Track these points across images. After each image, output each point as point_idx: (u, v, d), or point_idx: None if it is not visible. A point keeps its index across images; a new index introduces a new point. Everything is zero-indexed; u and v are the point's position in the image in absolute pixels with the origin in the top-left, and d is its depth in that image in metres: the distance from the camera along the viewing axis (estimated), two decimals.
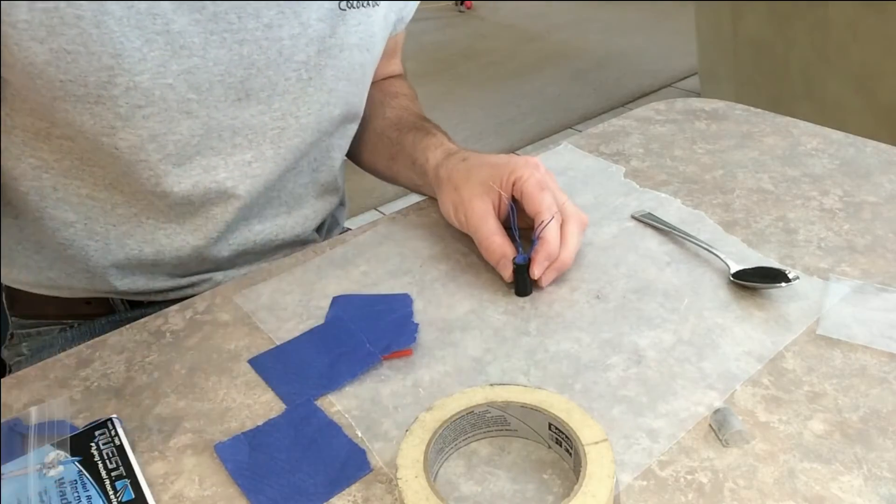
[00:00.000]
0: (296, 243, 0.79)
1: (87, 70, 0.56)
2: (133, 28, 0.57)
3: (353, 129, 0.78)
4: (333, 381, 0.54)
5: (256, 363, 0.57)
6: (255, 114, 0.66)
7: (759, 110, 0.91)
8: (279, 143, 0.68)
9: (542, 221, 0.61)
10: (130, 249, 0.70)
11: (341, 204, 0.90)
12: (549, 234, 0.61)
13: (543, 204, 0.61)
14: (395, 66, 0.89)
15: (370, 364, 0.55)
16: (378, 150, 0.81)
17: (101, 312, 0.76)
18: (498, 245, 0.62)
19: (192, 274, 0.75)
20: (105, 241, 0.69)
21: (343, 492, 0.46)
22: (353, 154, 0.87)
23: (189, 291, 0.74)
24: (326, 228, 0.86)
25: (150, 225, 0.69)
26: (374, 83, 0.85)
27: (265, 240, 0.75)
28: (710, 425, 0.49)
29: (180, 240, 0.70)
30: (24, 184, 0.65)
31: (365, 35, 0.70)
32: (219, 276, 0.75)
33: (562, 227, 0.62)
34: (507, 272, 0.62)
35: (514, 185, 0.63)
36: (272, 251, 0.77)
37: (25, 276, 0.73)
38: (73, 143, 0.62)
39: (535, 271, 0.61)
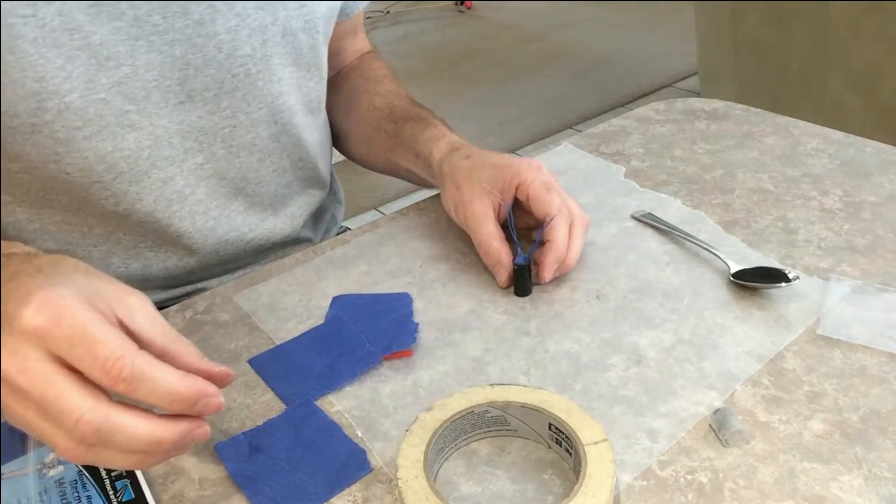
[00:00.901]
0: (287, 243, 0.77)
1: (13, 100, 0.54)
2: (50, 48, 0.54)
3: (322, 118, 0.76)
4: (333, 381, 0.54)
5: (256, 363, 0.57)
6: (202, 115, 0.63)
7: (759, 110, 0.91)
8: (231, 141, 0.66)
9: (550, 219, 0.60)
10: (116, 267, 0.68)
11: (337, 202, 0.89)
12: (559, 237, 0.61)
13: (553, 205, 0.61)
14: (363, 43, 0.87)
15: (370, 364, 0.55)
16: (374, 143, 0.79)
17: None
18: (495, 250, 0.62)
19: (185, 284, 0.73)
20: (90, 262, 0.67)
21: (343, 492, 0.46)
22: (345, 148, 0.86)
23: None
24: (325, 228, 0.85)
25: (128, 241, 0.67)
26: (351, 68, 0.84)
27: (255, 244, 0.73)
28: (710, 425, 0.49)
29: (163, 252, 0.69)
30: (1, 219, 0.64)
31: (310, 17, 0.67)
32: (213, 283, 0.74)
33: (569, 228, 0.62)
34: (503, 278, 0.62)
35: (518, 187, 0.63)
36: (264, 253, 0.76)
37: None
38: (30, 175, 0.60)
39: (546, 275, 0.61)
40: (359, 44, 0.86)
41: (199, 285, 0.74)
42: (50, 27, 0.54)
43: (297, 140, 0.72)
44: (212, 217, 0.69)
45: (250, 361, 0.57)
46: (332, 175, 0.87)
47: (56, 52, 0.54)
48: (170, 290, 0.73)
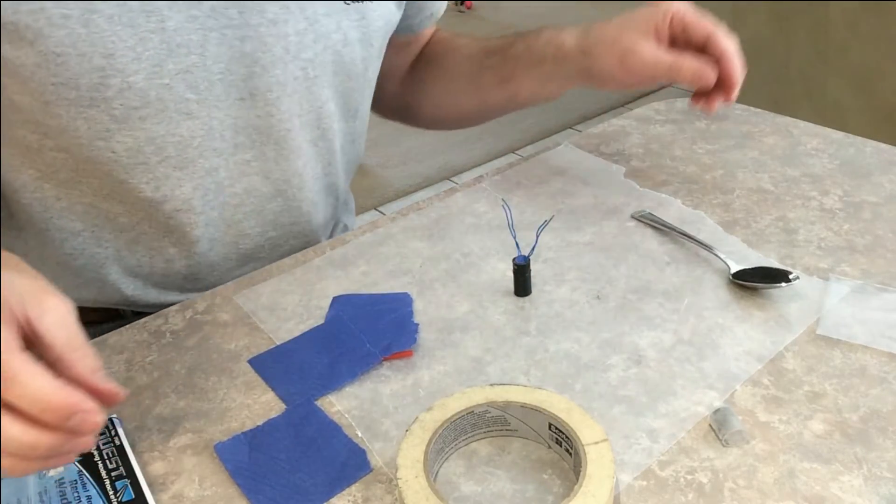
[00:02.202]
0: (299, 246, 0.77)
1: (78, 72, 0.55)
2: (125, 27, 0.55)
3: (355, 127, 0.77)
4: (333, 381, 0.54)
5: (256, 363, 0.57)
6: (261, 115, 0.64)
7: (759, 110, 0.91)
8: (284, 144, 0.67)
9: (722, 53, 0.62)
10: (141, 256, 0.69)
11: (348, 211, 0.89)
12: (731, 48, 0.62)
13: (710, 26, 0.62)
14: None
15: (370, 364, 0.55)
16: (483, 86, 0.78)
17: (107, 318, 0.75)
18: (688, 63, 0.62)
19: (203, 289, 0.72)
20: (115, 248, 0.68)
21: (343, 492, 0.46)
22: (438, 117, 0.86)
23: None
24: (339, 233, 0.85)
25: (152, 234, 0.67)
26: (428, 43, 0.85)
27: (273, 244, 0.74)
28: (710, 425, 0.49)
29: (184, 246, 0.68)
30: (26, 195, 0.64)
31: (367, 30, 0.69)
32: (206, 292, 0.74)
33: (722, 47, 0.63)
34: (711, 77, 0.62)
35: (673, 19, 0.63)
36: (280, 256, 0.76)
37: None
38: (66, 154, 0.60)
39: (733, 95, 0.63)
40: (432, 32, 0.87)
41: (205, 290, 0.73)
42: (128, 7, 0.55)
43: (330, 146, 0.73)
44: (241, 212, 0.69)
45: (250, 361, 0.57)
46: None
47: (130, 32, 0.55)
48: (187, 294, 0.72)
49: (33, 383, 0.36)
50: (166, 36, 0.57)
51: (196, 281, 0.72)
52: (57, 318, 0.40)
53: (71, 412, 0.37)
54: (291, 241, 0.75)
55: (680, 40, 0.64)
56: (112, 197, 0.64)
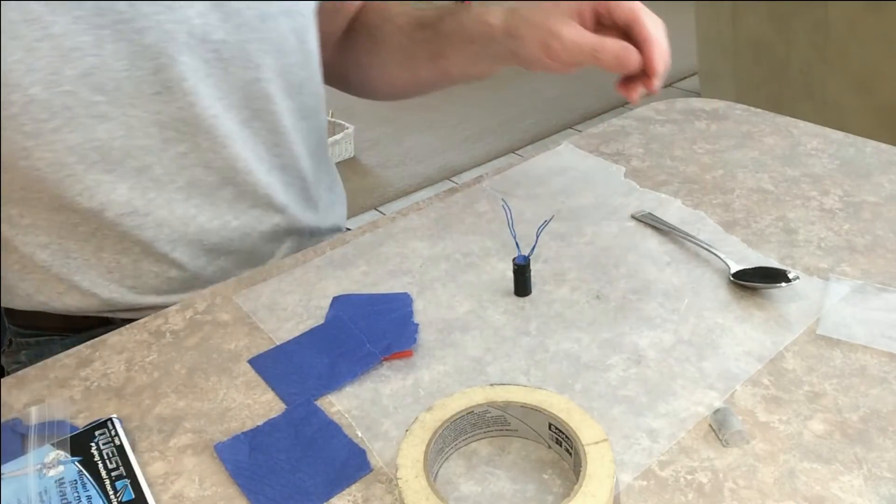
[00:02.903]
0: (281, 234, 0.75)
1: None
2: (10, 39, 0.52)
3: (304, 101, 0.73)
4: (333, 381, 0.54)
5: (256, 363, 0.57)
6: (182, 106, 0.61)
7: (759, 110, 0.91)
8: (215, 131, 0.64)
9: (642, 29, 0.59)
10: (108, 262, 0.67)
11: (331, 189, 0.86)
12: (655, 32, 0.59)
13: (636, 8, 0.59)
14: None
15: (370, 364, 0.55)
16: (416, 60, 0.76)
17: (98, 325, 0.73)
18: (610, 43, 0.59)
19: (182, 290, 0.71)
20: (83, 257, 0.67)
21: (343, 492, 0.46)
22: (380, 89, 0.83)
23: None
24: (328, 220, 0.83)
25: (114, 237, 0.66)
26: (361, 13, 0.82)
27: (242, 232, 0.71)
28: (710, 425, 0.49)
29: (149, 249, 0.67)
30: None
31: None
32: (206, 292, 0.73)
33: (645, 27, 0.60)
34: (634, 61, 0.59)
35: (596, 3, 0.61)
36: (257, 246, 0.73)
37: (19, 301, 0.70)
38: (9, 174, 0.59)
39: (656, 82, 0.59)
40: None
41: (196, 294, 0.72)
42: (8, 18, 0.52)
43: (271, 126, 0.70)
44: (193, 205, 0.67)
45: (250, 361, 0.57)
46: (327, 165, 0.85)
47: (16, 45, 0.53)
48: (162, 296, 0.71)
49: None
50: (55, 42, 0.54)
51: (170, 281, 0.71)
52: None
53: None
54: (261, 228, 0.73)
55: (606, 22, 0.61)
56: (64, 208, 0.62)
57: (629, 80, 0.62)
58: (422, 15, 0.76)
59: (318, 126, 0.78)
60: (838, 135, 0.84)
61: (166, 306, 0.65)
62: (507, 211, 0.66)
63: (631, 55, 0.58)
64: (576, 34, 0.60)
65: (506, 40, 0.66)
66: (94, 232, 0.65)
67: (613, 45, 0.59)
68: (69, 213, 0.63)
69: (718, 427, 0.48)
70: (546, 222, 0.67)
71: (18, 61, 0.53)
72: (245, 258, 0.74)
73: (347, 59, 0.82)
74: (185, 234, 0.68)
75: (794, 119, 0.88)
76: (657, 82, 0.59)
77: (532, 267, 0.62)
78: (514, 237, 0.63)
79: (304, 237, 0.79)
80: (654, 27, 0.59)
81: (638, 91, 0.60)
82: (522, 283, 0.62)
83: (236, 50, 0.63)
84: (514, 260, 0.62)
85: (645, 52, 0.59)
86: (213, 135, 0.64)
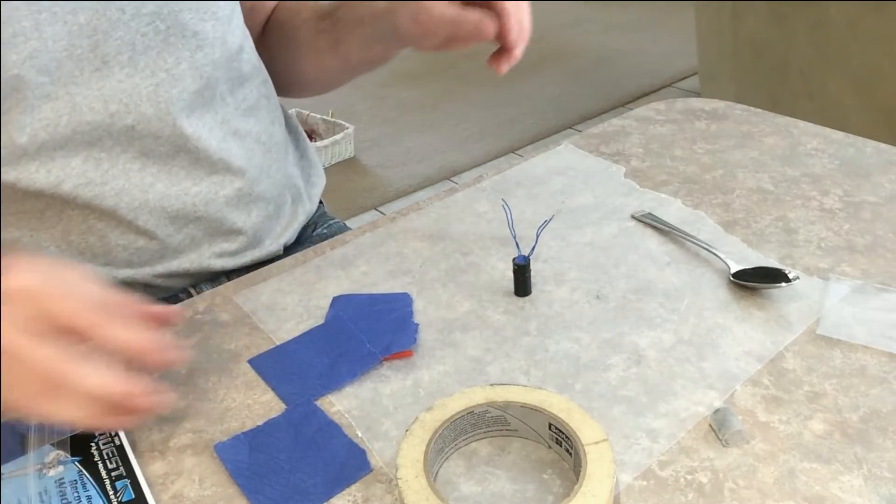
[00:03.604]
0: (244, 200, 0.75)
1: None
2: None
3: (250, 68, 0.75)
4: (333, 381, 0.54)
5: (256, 363, 0.57)
6: (122, 78, 0.64)
7: (759, 110, 0.91)
8: (157, 98, 0.66)
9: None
10: (78, 244, 0.67)
11: (305, 160, 0.87)
12: (511, 8, 0.61)
13: None
14: None
15: (370, 364, 0.55)
16: (321, 51, 0.78)
17: None
18: (470, 13, 0.61)
19: (158, 260, 0.71)
20: (54, 244, 0.67)
21: (343, 492, 0.46)
22: (300, 86, 0.85)
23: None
24: (300, 194, 0.83)
25: (77, 216, 0.66)
26: (275, 11, 0.84)
27: (205, 200, 0.71)
28: (710, 425, 0.49)
29: (112, 221, 0.67)
30: None
31: None
32: (185, 262, 0.72)
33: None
34: (490, 28, 0.61)
35: None
36: (218, 213, 0.73)
37: None
38: None
39: (516, 52, 0.62)
40: None
41: (172, 264, 0.71)
42: None
43: (225, 104, 0.72)
44: (149, 174, 0.68)
45: (250, 361, 0.57)
46: (295, 137, 0.86)
47: None
48: (136, 269, 0.71)
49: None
50: None
51: (140, 252, 0.70)
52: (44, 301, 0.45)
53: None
54: (224, 193, 0.72)
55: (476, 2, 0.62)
56: (28, 196, 0.64)
57: (498, 54, 0.64)
58: (323, 5, 0.77)
59: (269, 93, 0.79)
60: (838, 135, 0.84)
61: (146, 282, 0.66)
62: (507, 211, 0.66)
63: (487, 24, 0.60)
64: (443, 6, 0.62)
65: (388, 18, 0.68)
66: (60, 215, 0.66)
67: (472, 16, 0.61)
68: (33, 199, 0.64)
69: (718, 427, 0.48)
70: (546, 222, 0.67)
71: None
72: (215, 225, 0.73)
73: (266, 59, 0.83)
74: (146, 201, 0.68)
75: (794, 119, 0.88)
76: (513, 54, 0.62)
77: (532, 267, 0.62)
78: (515, 237, 0.63)
79: (279, 206, 0.79)
80: (511, 3, 0.61)
81: (502, 62, 0.62)
82: (522, 283, 0.62)
83: (170, 20, 0.65)
84: (514, 260, 0.62)
85: (501, 23, 0.61)
86: (155, 102, 0.66)
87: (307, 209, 0.85)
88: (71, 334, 0.44)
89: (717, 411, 0.49)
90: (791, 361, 0.54)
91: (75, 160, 0.64)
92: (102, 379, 0.43)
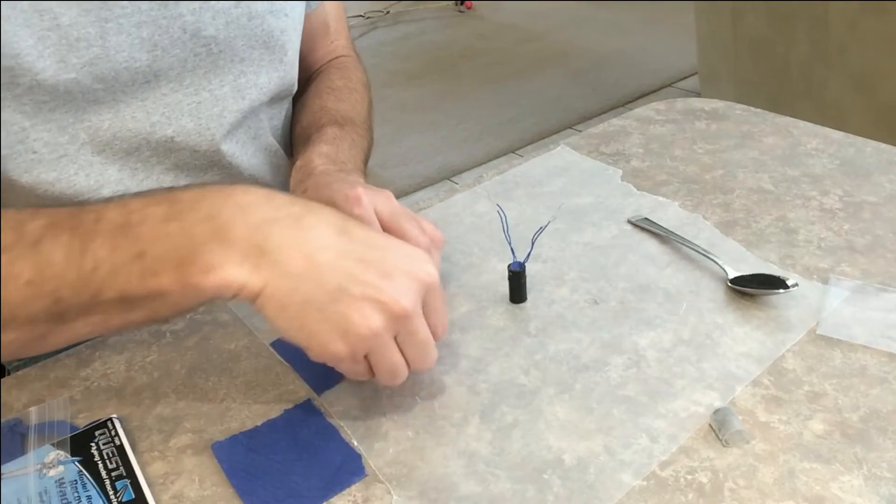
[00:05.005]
0: None
1: None
2: (22, 27, 0.56)
3: (286, 91, 0.76)
4: None
5: (280, 347, 0.57)
6: (166, 92, 0.65)
7: (759, 110, 0.91)
8: (198, 114, 0.67)
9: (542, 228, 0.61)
10: None
11: None
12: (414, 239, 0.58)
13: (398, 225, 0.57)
14: (338, 45, 0.87)
15: None
16: (295, 144, 0.77)
17: None
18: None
19: None
20: None
21: (343, 492, 0.46)
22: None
23: None
24: None
25: None
26: (316, 73, 0.84)
27: None
28: (710, 425, 0.49)
29: None
30: None
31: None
32: None
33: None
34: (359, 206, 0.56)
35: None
36: None
37: None
38: (9, 173, 0.60)
39: None
40: (332, 46, 0.86)
41: None
42: (20, 7, 0.56)
43: (259, 121, 0.73)
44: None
45: (274, 345, 0.58)
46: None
47: (28, 32, 0.56)
48: None
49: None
50: (63, 32, 0.58)
51: None
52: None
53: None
54: None
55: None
56: (63, 196, 0.64)
57: None
58: (309, 124, 0.75)
59: (289, 111, 0.81)
60: (838, 135, 0.84)
61: None
62: (503, 216, 0.66)
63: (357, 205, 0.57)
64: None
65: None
66: None
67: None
68: (66, 202, 0.64)
69: (718, 427, 0.48)
70: (542, 228, 0.67)
71: (31, 47, 0.56)
72: None
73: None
74: None
75: (794, 119, 0.88)
76: None
77: (531, 267, 0.62)
78: (510, 243, 0.63)
79: None
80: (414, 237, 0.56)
81: None
82: (518, 289, 0.61)
83: (224, 45, 0.67)
84: (509, 266, 0.61)
85: None
86: (196, 117, 0.67)
87: None
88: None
89: (717, 411, 0.49)
90: (791, 361, 0.54)
91: (112, 168, 0.65)
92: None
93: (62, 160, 0.62)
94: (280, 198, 0.48)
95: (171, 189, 0.49)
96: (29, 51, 0.56)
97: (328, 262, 0.45)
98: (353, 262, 0.46)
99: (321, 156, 0.67)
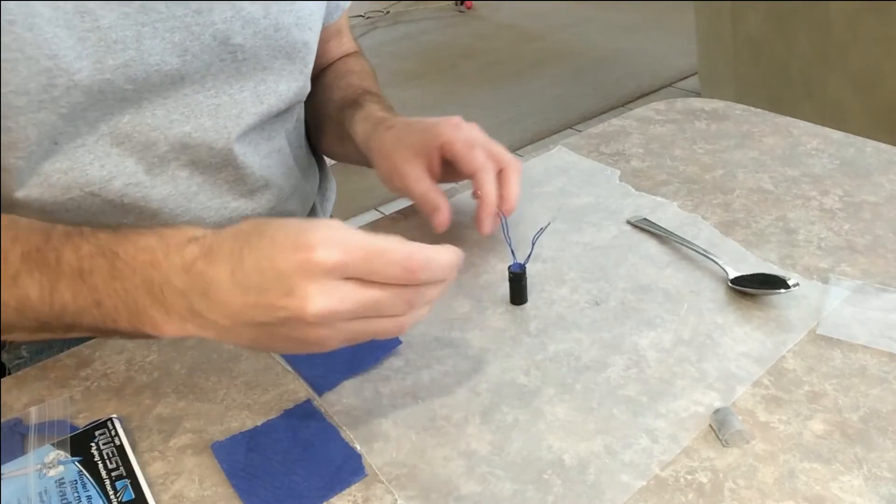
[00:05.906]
0: (272, 217, 0.77)
1: (26, 76, 0.56)
2: (63, 28, 0.57)
3: (300, 97, 0.79)
4: (357, 366, 0.56)
5: None
6: (188, 93, 0.66)
7: (759, 110, 0.91)
8: (216, 114, 0.69)
9: (479, 178, 0.64)
10: None
11: (322, 195, 0.90)
12: (487, 191, 0.63)
13: (476, 162, 0.64)
14: (348, 45, 0.91)
15: (392, 348, 0.57)
16: (330, 135, 0.84)
17: None
18: (433, 197, 0.65)
19: None
20: None
21: (343, 492, 0.46)
22: (315, 143, 0.89)
23: None
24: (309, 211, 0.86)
25: (112, 215, 0.67)
26: (329, 67, 0.88)
27: (240, 217, 0.74)
28: (710, 425, 0.49)
29: (150, 217, 0.69)
30: (19, 211, 0.64)
31: (301, 13, 0.71)
32: None
33: (501, 175, 0.65)
34: (441, 219, 0.65)
35: (442, 149, 0.65)
36: None
37: None
38: (24, 162, 0.61)
39: (484, 229, 0.64)
40: (343, 46, 0.90)
41: None
42: (63, 8, 0.57)
43: (277, 126, 0.76)
44: (195, 182, 0.70)
45: None
46: (318, 166, 0.89)
47: (68, 33, 0.57)
48: None
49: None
50: (102, 34, 0.59)
51: None
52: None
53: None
54: (259, 211, 0.76)
55: (451, 168, 0.66)
56: (72, 187, 0.64)
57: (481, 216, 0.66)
58: (346, 97, 0.81)
59: (300, 115, 0.84)
60: (838, 135, 0.84)
61: None
62: (502, 216, 0.66)
63: (440, 217, 0.65)
64: (416, 175, 0.66)
65: (365, 153, 0.73)
66: (103, 212, 0.67)
67: (431, 203, 0.65)
68: (76, 191, 0.65)
69: (718, 427, 0.48)
70: (542, 230, 0.67)
71: (70, 48, 0.57)
72: None
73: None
74: (188, 209, 0.71)
75: (794, 119, 0.88)
76: (484, 229, 0.64)
77: (532, 268, 0.62)
78: (510, 244, 0.63)
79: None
80: (489, 185, 0.64)
81: (485, 226, 0.64)
82: (518, 291, 0.61)
83: (249, 53, 0.69)
84: (509, 268, 0.61)
85: (479, 208, 0.64)
86: (214, 117, 0.69)
87: None
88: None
89: (717, 411, 0.49)
90: (791, 361, 0.54)
91: (129, 160, 0.66)
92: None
93: (79, 150, 0.63)
94: (190, 259, 0.47)
95: (115, 234, 0.51)
96: (67, 52, 0.57)
97: (243, 308, 0.45)
98: (256, 295, 0.44)
99: (383, 109, 0.74)
